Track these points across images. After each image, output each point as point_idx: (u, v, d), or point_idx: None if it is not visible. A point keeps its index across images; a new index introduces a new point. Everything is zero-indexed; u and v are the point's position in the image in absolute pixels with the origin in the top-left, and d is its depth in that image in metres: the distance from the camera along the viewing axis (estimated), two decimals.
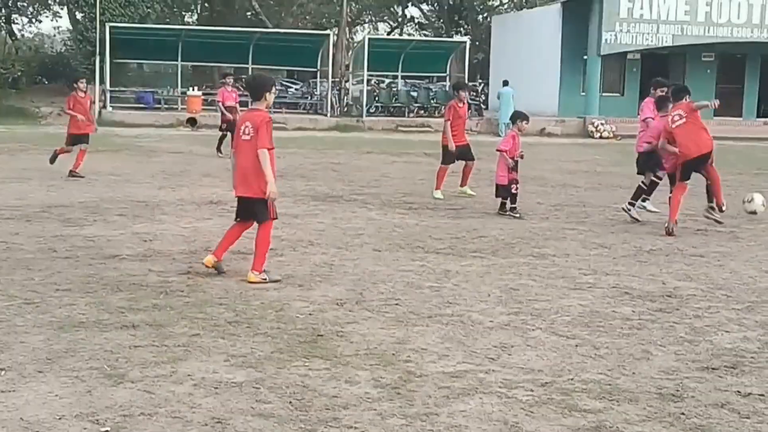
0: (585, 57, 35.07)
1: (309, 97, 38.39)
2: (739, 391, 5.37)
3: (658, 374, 5.66)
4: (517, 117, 13.18)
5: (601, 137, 32.39)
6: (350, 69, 39.72)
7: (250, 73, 37.80)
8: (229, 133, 19.06)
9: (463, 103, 14.81)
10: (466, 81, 36.30)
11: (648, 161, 12.58)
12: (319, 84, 38.61)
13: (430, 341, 6.28)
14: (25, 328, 6.33)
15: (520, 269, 8.83)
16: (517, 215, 12.29)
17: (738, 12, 34.40)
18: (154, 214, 11.73)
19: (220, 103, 20.46)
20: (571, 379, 5.52)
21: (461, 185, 14.80)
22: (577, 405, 5.07)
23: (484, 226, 11.51)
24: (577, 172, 19.16)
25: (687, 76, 37.24)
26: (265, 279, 7.90)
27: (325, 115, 34.01)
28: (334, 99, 35.31)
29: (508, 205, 12.49)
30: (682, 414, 4.98)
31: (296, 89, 42.04)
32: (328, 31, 40.52)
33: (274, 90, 8.25)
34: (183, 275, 8.12)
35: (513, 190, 12.50)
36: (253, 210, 8.10)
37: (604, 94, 35.06)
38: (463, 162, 14.75)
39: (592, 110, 33.91)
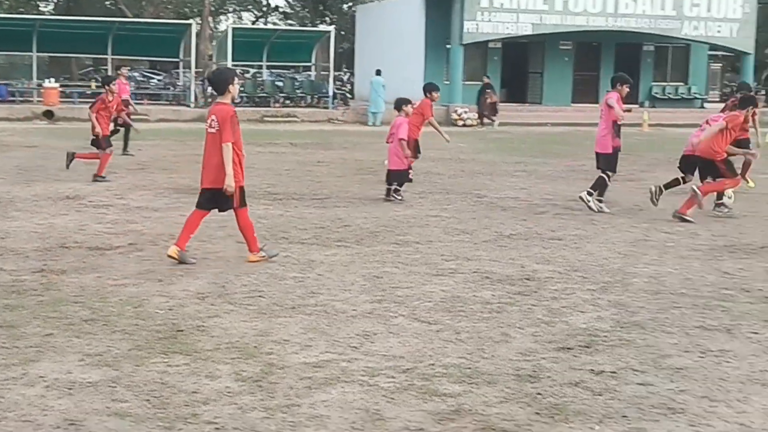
0: (448, 46, 35.56)
1: (172, 88, 37.68)
2: (592, 370, 5.53)
3: (516, 356, 5.79)
4: (403, 102, 13.39)
5: (464, 125, 32.92)
6: (214, 59, 39.15)
7: (109, 63, 36.89)
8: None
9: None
10: (332, 70, 36.40)
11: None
12: (182, 74, 37.93)
13: (293, 332, 6.24)
14: None
15: (384, 257, 8.89)
16: (400, 199, 12.70)
17: (593, 2, 35.52)
18: (6, 210, 11.28)
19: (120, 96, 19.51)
20: (432, 365, 5.58)
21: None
22: (438, 390, 5.13)
23: (348, 215, 11.53)
24: (440, 159, 19.38)
25: (546, 63, 38.34)
26: (264, 256, 8.47)
27: (189, 106, 33.44)
28: (197, 90, 34.75)
29: (394, 188, 12.85)
30: (539, 394, 5.10)
31: (159, 80, 41.21)
32: (190, 21, 39.83)
33: (236, 82, 8.40)
34: (37, 273, 7.84)
35: (410, 176, 13.14)
36: (217, 200, 8.35)
37: (466, 82, 35.63)
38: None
39: (456, 98, 34.41)
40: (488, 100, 32.98)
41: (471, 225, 10.93)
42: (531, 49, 38.43)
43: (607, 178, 12.30)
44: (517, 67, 38.35)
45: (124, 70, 20.47)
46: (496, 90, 37.28)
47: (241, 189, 8.36)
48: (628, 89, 12.55)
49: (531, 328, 6.45)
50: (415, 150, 14.20)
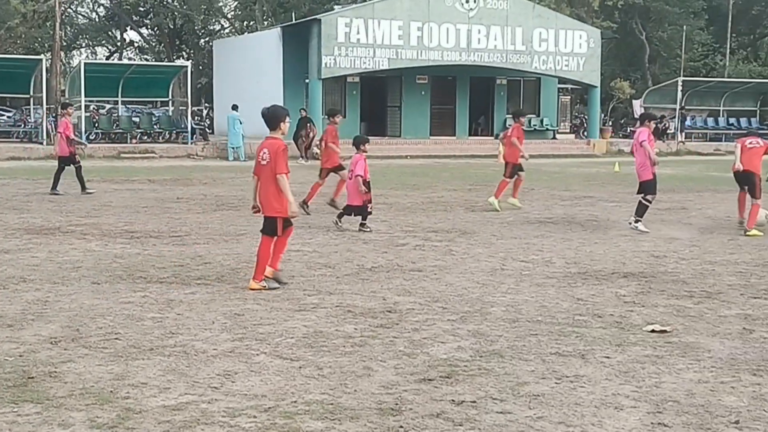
0: (307, 80, 35.72)
1: (22, 125, 36.42)
2: (453, 400, 5.60)
3: (378, 389, 5.81)
4: (362, 141, 14.25)
5: None
6: (66, 95, 38.08)
7: None
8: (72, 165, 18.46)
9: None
10: (190, 105, 35.97)
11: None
12: (33, 111, 36.72)
13: (151, 374, 6.08)
14: None
15: (245, 294, 8.79)
16: (368, 230, 13.33)
17: (447, 37, 36.40)
18: None
19: (64, 134, 18.82)
20: (295, 402, 5.54)
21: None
22: (300, 428, 5.09)
23: (209, 252, 11.37)
24: (302, 193, 19.36)
25: (404, 97, 38.98)
26: (265, 286, 8.95)
27: (41, 144, 32.38)
28: (50, 126, 33.71)
29: (360, 222, 13.48)
30: (401, 427, 5.12)
31: (8, 117, 39.78)
32: (40, 56, 38.66)
33: (287, 120, 9.24)
34: None
35: (369, 210, 13.58)
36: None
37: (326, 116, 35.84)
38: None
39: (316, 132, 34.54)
40: (311, 134, 31.65)
41: (333, 258, 10.95)
42: (389, 83, 39.02)
43: (648, 202, 13.78)
44: (376, 101, 38.90)
45: (71, 110, 19.94)
46: (356, 124, 37.67)
47: (284, 219, 9.06)
48: (654, 125, 14.54)
49: (393, 360, 6.49)
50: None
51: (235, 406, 5.45)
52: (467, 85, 40.00)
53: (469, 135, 40.01)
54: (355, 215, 13.68)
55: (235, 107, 32.15)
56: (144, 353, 6.63)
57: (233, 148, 32.25)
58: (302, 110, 33.28)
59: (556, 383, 5.99)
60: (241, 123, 31.70)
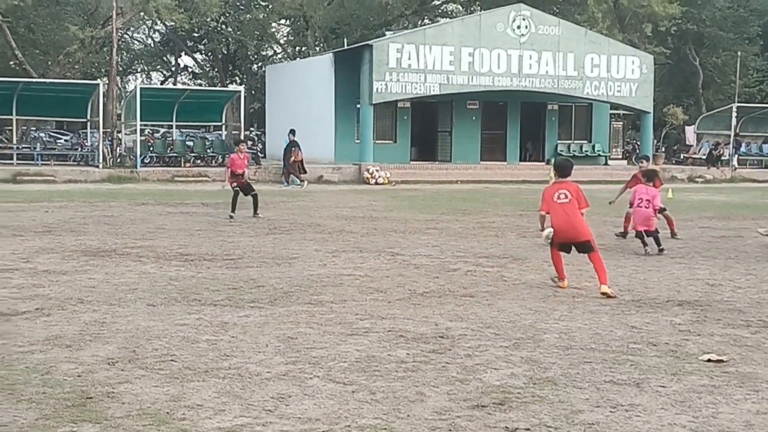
0: (358, 105, 35.95)
1: (80, 148, 37.11)
2: (507, 427, 5.58)
3: (431, 415, 5.81)
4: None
5: (376, 183, 33.20)
6: (123, 119, 38.76)
7: (14, 123, 36.19)
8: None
9: None
10: (243, 130, 36.38)
11: None
12: (90, 134, 37.43)
13: (206, 396, 6.15)
14: None
15: (298, 317, 8.85)
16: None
17: (498, 62, 36.43)
18: None
19: (229, 169, 19.51)
20: (348, 426, 5.56)
21: None
22: None
23: (262, 275, 11.46)
24: (353, 218, 19.49)
25: (454, 122, 39.05)
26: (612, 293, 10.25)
27: (97, 167, 32.95)
28: (106, 150, 34.31)
29: None
30: None
31: (66, 140, 40.58)
32: (97, 81, 39.41)
33: (572, 170, 11.15)
34: None
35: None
36: (580, 248, 10.80)
37: (377, 141, 36.04)
38: None
39: (367, 157, 34.75)
40: (293, 159, 31.66)
41: (385, 283, 10.98)
42: (440, 108, 39.12)
43: None
44: (426, 126, 39.02)
45: (244, 146, 20.88)
46: (407, 149, 37.84)
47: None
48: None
49: (446, 386, 6.49)
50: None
51: (289, 429, 5.48)
52: (518, 110, 39.96)
53: (520, 160, 39.93)
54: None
55: (292, 132, 32.33)
56: (199, 375, 6.70)
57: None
58: (290, 133, 33.33)
59: (611, 412, 5.94)
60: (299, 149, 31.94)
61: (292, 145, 32.25)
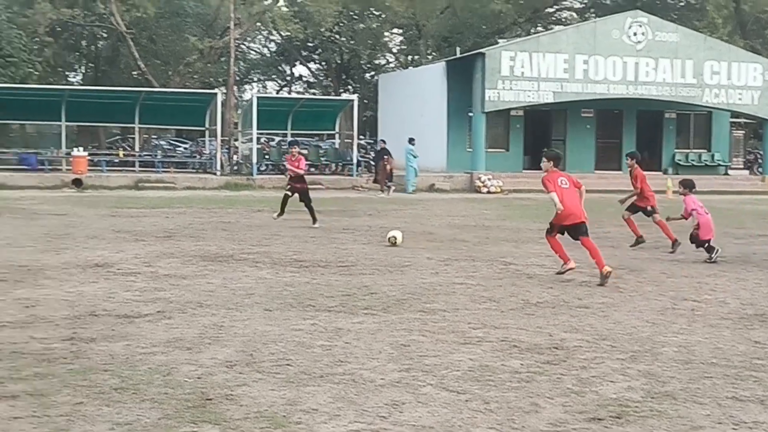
0: (470, 113, 35.88)
1: (198, 156, 38.14)
2: None
3: (546, 426, 5.74)
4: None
5: (488, 192, 33.07)
6: (239, 127, 39.65)
7: (136, 132, 37.45)
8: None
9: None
10: (356, 138, 36.76)
11: None
12: (208, 143, 38.43)
13: (322, 401, 6.23)
14: None
15: (410, 325, 8.88)
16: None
17: (613, 70, 35.84)
18: (36, 278, 11.38)
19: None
20: None
21: None
22: None
23: (375, 282, 11.55)
24: (465, 226, 19.45)
25: (568, 130, 38.58)
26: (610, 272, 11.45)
27: (215, 174, 33.80)
28: (223, 158, 35.16)
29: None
30: None
31: (185, 148, 41.75)
32: (215, 90, 40.44)
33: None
34: (66, 341, 7.88)
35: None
36: (579, 230, 11.81)
37: (489, 149, 35.88)
38: None
39: (479, 166, 34.65)
40: (387, 166, 32.03)
41: (497, 292, 10.91)
42: (553, 117, 38.72)
43: None
44: (539, 134, 38.64)
45: (296, 149, 20.10)
46: (519, 158, 37.53)
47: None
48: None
49: (561, 398, 6.41)
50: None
51: None
52: (634, 118, 39.23)
53: None
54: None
55: (411, 140, 32.53)
56: (314, 380, 6.79)
57: (408, 180, 32.70)
58: (382, 141, 33.37)
59: (733, 429, 5.76)
60: (415, 156, 32.13)
61: (383, 153, 32.51)
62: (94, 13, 45.65)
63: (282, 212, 19.05)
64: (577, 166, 37.54)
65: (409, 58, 56.49)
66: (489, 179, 33.77)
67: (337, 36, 55.10)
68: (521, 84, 35.08)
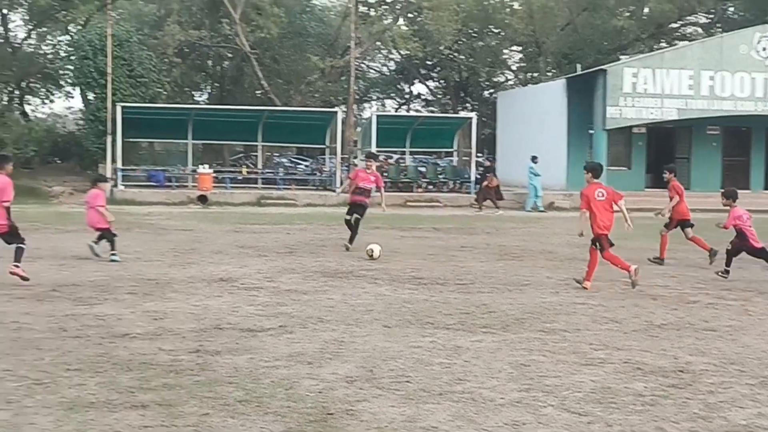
0: (591, 131, 35.35)
1: (318, 174, 38.71)
2: None
3: None
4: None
5: None
6: (358, 145, 40.09)
7: (259, 149, 38.30)
8: None
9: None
10: (474, 156, 36.68)
11: None
12: (328, 160, 38.98)
13: (441, 419, 6.23)
14: (34, 408, 6.31)
15: (530, 344, 8.80)
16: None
17: (741, 86, 34.76)
18: (164, 292, 11.75)
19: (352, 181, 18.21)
20: None
21: None
22: None
23: (493, 300, 11.49)
24: (586, 245, 19.08)
25: (693, 148, 37.57)
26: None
27: (334, 191, 34.21)
28: (343, 175, 35.55)
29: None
30: None
31: (306, 166, 42.43)
32: (336, 109, 41.01)
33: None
34: (193, 354, 8.11)
35: None
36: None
37: (610, 167, 35.21)
38: None
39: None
40: (489, 184, 31.75)
41: (620, 313, 10.71)
42: (677, 134, 37.77)
43: None
44: (662, 152, 37.69)
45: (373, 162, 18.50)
46: (641, 176, 36.74)
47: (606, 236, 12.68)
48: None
49: (687, 422, 6.24)
50: None
51: None
52: (763, 136, 37.92)
53: (765, 188, 37.81)
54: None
55: (533, 158, 32.35)
56: (434, 397, 6.80)
57: (529, 198, 32.47)
58: (487, 159, 32.88)
59: None
60: (536, 175, 31.91)
61: (487, 171, 32.34)
62: (220, 34, 46.95)
63: (353, 233, 17.22)
64: (701, 185, 36.55)
65: (529, 75, 56.06)
66: None
67: (456, 54, 55.13)
68: (644, 101, 34.33)
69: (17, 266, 12.26)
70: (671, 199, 16.64)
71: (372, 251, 15.79)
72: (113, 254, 14.82)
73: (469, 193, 35.19)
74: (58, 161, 43.05)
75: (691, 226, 16.45)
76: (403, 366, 7.79)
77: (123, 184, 33.15)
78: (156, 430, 5.85)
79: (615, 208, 13.20)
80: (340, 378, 7.33)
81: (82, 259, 15.04)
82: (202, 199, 31.26)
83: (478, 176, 36.93)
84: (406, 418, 6.25)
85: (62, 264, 14.35)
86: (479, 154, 45.90)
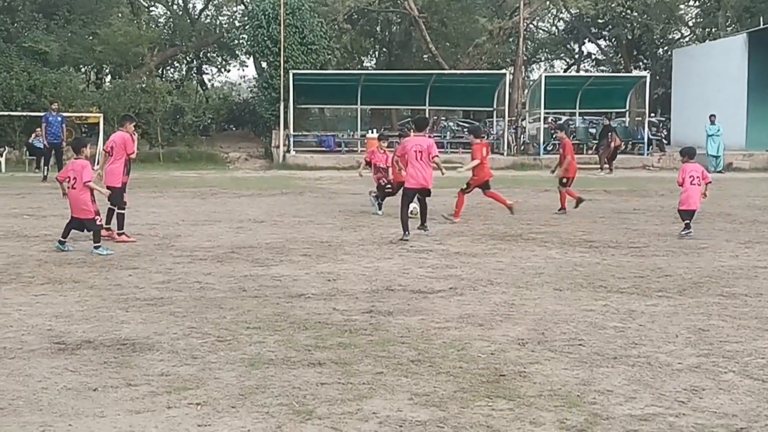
0: None
1: (485, 137, 38.49)
2: None
3: None
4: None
5: None
6: (526, 107, 39.58)
7: (427, 113, 38.46)
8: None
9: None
10: (647, 116, 35.54)
11: None
12: (495, 123, 38.69)
13: (616, 383, 6.12)
14: (218, 364, 6.60)
15: (709, 309, 8.51)
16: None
17: None
18: (336, 254, 12.02)
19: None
20: None
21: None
22: None
23: (669, 264, 11.15)
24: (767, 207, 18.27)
25: None
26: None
27: (502, 154, 33.96)
28: (510, 138, 35.25)
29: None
30: None
31: None
32: (504, 71, 40.58)
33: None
34: (366, 314, 8.27)
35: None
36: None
37: None
38: None
39: None
40: (612, 144, 30.87)
41: None
42: None
43: None
44: None
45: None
46: None
47: None
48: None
49: None
50: None
51: (704, 423, 5.30)
52: None
53: None
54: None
55: (711, 117, 31.13)
56: (608, 361, 6.69)
57: (712, 157, 31.26)
58: (607, 118, 31.72)
59: None
60: (710, 135, 30.68)
61: (608, 130, 31.26)
62: None
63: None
64: None
65: (706, 31, 53.67)
66: None
67: (629, 11, 53.26)
68: None
69: (121, 233, 13.13)
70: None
71: (414, 210, 14.72)
72: None
73: (641, 154, 34.20)
74: (233, 128, 44.60)
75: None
76: (576, 329, 7.69)
77: (295, 150, 33.97)
78: (333, 387, 6.01)
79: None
80: (512, 340, 7.31)
81: (258, 222, 15.57)
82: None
83: (652, 137, 35.86)
84: (580, 381, 6.18)
85: (239, 227, 14.90)
86: (652, 114, 44.54)
